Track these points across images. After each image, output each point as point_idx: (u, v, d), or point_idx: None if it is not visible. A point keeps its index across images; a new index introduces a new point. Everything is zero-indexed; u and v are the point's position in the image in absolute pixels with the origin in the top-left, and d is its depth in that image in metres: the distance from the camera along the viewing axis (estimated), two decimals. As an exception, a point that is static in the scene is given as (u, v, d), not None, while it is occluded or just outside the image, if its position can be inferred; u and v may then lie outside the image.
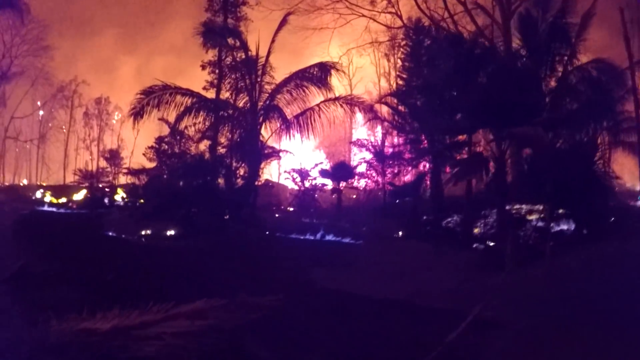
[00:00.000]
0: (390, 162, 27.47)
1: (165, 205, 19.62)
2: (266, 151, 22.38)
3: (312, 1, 33.83)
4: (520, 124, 11.87)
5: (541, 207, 15.18)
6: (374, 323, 5.78)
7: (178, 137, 26.76)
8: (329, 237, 18.91)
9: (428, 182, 22.95)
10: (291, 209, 30.36)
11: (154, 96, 18.80)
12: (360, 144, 30.33)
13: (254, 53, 20.83)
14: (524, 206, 15.88)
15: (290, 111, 20.28)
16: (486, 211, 16.27)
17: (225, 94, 25.78)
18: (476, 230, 16.67)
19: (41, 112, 55.26)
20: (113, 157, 43.20)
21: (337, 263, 12.56)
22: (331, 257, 13.76)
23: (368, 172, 29.25)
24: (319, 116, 19.91)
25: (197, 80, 28.38)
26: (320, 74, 19.61)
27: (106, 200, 33.10)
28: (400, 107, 24.24)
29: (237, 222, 19.01)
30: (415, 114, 21.41)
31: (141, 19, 72.33)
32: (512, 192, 13.50)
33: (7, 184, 52.51)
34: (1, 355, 4.36)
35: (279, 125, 20.39)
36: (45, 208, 32.24)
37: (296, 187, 30.61)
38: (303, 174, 29.51)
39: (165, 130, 27.54)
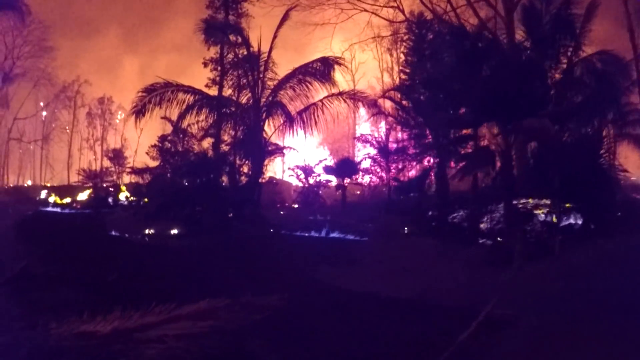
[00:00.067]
0: (395, 157, 27.29)
1: (169, 204, 19.55)
2: (270, 148, 22.27)
3: (314, -3, 33.60)
4: (527, 117, 11.67)
5: (548, 202, 15.02)
6: (382, 322, 5.63)
7: (181, 136, 26.68)
8: (334, 234, 18.78)
9: (433, 178, 22.78)
10: (295, 206, 30.26)
11: (155, 94, 18.70)
12: (364, 140, 30.18)
13: (255, 49, 20.71)
14: (530, 201, 15.71)
15: (293, 107, 20.15)
16: (492, 206, 16.07)
17: (227, 91, 25.67)
18: (482, 226, 16.48)
19: (44, 113, 55.32)
20: (117, 156, 43.27)
21: (342, 260, 12.41)
22: (336, 254, 13.61)
23: (372, 167, 29.10)
24: (323, 112, 19.78)
25: (200, 78, 28.34)
26: (323, 68, 19.46)
27: (110, 200, 33.13)
28: (404, 102, 24.06)
29: (240, 220, 18.91)
30: (419, 108, 21.20)
31: (143, 18, 72.18)
32: (518, 187, 13.29)
33: (11, 185, 52.59)
34: (-2, 359, 4.24)
35: (282, 121, 20.25)
36: (49, 208, 32.32)
37: (300, 184, 30.51)
38: (307, 171, 29.41)
39: (169, 129, 27.50)
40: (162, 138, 27.73)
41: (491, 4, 28.17)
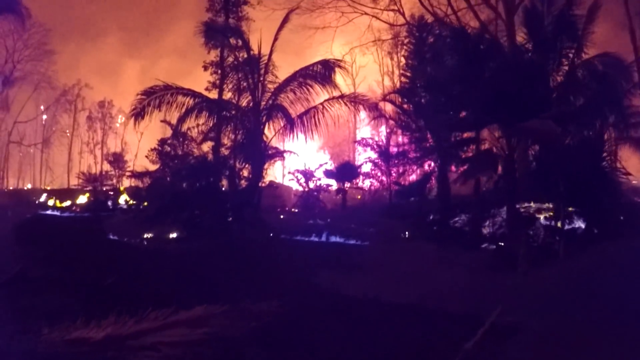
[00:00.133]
0: (396, 161, 27.18)
1: (168, 208, 19.42)
2: (270, 152, 22.13)
3: (315, 0, 33.62)
4: (530, 119, 11.54)
5: (550, 205, 14.88)
6: (384, 329, 5.47)
7: (181, 139, 26.59)
8: (334, 239, 18.63)
9: (434, 181, 22.65)
10: (295, 210, 30.12)
11: (155, 96, 18.56)
12: (365, 143, 30.08)
13: (256, 52, 20.61)
14: (532, 204, 15.57)
15: (293, 110, 20.02)
16: (494, 210, 15.92)
17: (227, 94, 25.55)
18: (484, 230, 16.32)
19: (44, 116, 55.32)
20: (117, 160, 43.20)
21: (342, 265, 12.25)
22: (336, 259, 13.46)
23: (373, 171, 28.99)
24: (323, 115, 19.63)
25: (202, 82, 28.27)
26: (324, 71, 19.33)
27: (109, 204, 33.06)
28: (405, 105, 23.95)
29: (240, 224, 18.76)
30: (420, 111, 21.10)
31: (145, 22, 72.28)
32: (520, 190, 13.15)
33: (11, 188, 52.51)
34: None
35: (282, 124, 20.13)
36: (49, 212, 32.24)
37: (300, 188, 30.39)
38: (307, 175, 29.30)
39: (169, 133, 27.40)
40: (162, 142, 27.66)
41: (492, 5, 28.16)
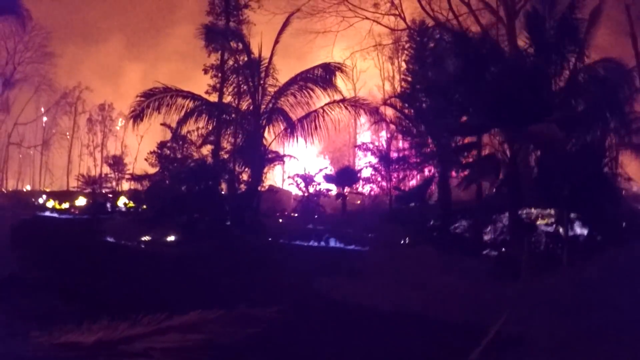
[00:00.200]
0: (396, 166, 27.04)
1: (167, 211, 19.28)
2: (269, 156, 22.01)
3: (315, 4, 33.56)
4: (533, 123, 11.40)
5: (551, 212, 14.71)
6: (384, 338, 5.30)
7: (180, 142, 26.45)
8: (334, 244, 18.46)
9: (434, 187, 22.50)
10: (295, 214, 29.96)
11: (154, 98, 18.47)
12: (366, 148, 29.95)
13: (256, 55, 20.51)
14: (533, 211, 15.40)
15: (294, 114, 19.91)
16: (495, 216, 15.75)
17: (227, 98, 25.47)
18: (486, 237, 16.13)
19: (44, 119, 55.23)
20: (116, 163, 43.05)
21: (342, 271, 12.06)
22: (336, 264, 13.26)
23: (373, 176, 28.85)
24: (324, 119, 19.53)
25: (202, 86, 28.15)
26: (324, 74, 19.25)
27: (108, 206, 32.93)
28: (406, 110, 23.84)
29: (239, 228, 18.61)
30: (421, 116, 20.97)
31: (146, 25, 72.27)
32: (522, 196, 12.99)
33: (10, 189, 52.38)
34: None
35: (282, 128, 20.02)
36: (47, 214, 32.13)
37: (300, 193, 30.24)
38: (307, 180, 29.14)
39: (169, 137, 27.27)
40: (161, 145, 27.50)
41: (494, 9, 28.13)
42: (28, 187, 55.56)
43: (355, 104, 20.07)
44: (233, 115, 22.00)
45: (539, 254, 11.87)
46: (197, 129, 23.33)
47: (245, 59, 21.35)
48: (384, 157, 27.71)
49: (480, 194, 17.96)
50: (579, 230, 14.12)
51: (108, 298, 7.19)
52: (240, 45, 21.68)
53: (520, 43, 17.46)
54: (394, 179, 27.76)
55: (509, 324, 4.84)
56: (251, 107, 20.34)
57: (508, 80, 12.76)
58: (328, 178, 29.71)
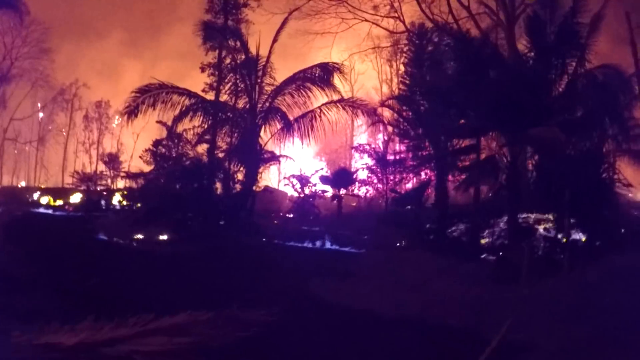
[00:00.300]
0: (393, 168, 26.90)
1: (160, 209, 19.05)
2: (265, 155, 21.80)
3: (315, 4, 33.42)
4: (534, 127, 11.25)
5: (550, 217, 14.59)
6: (381, 344, 5.10)
7: (176, 140, 26.19)
8: (329, 246, 18.26)
9: (430, 190, 22.36)
10: (290, 215, 29.76)
11: (149, 95, 18.22)
12: (362, 150, 29.77)
13: (254, 54, 20.32)
14: (531, 215, 15.26)
15: (291, 114, 19.72)
16: (494, 220, 15.59)
17: (224, 97, 25.19)
18: (483, 241, 15.96)
19: (41, 114, 54.87)
20: (112, 160, 42.76)
21: (337, 273, 11.86)
22: (331, 266, 13.07)
23: (369, 178, 28.70)
24: (321, 119, 19.34)
25: (200, 86, 27.77)
26: (322, 74, 19.07)
27: (102, 204, 32.68)
28: (404, 112, 23.69)
29: (233, 228, 18.39)
30: (419, 118, 20.82)
31: (145, 23, 71.97)
32: (522, 200, 12.85)
33: (5, 185, 52.02)
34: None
35: (279, 128, 19.82)
36: (41, 210, 31.89)
37: (296, 194, 30.05)
38: (303, 181, 28.95)
39: (165, 135, 26.97)
40: (156, 142, 27.23)
41: (494, 12, 28.06)
42: (23, 184, 55.18)
43: (352, 105, 19.90)
44: (229, 114, 21.77)
45: (538, 258, 11.71)
46: (193, 127, 23.08)
47: (243, 57, 21.14)
48: (380, 159, 27.56)
49: (478, 198, 17.80)
50: (576, 235, 14.00)
51: (96, 297, 6.98)
52: (238, 44, 21.48)
53: (520, 48, 17.40)
54: (391, 182, 27.60)
55: (512, 329, 4.64)
56: (247, 106, 20.14)
57: (509, 83, 12.64)
58: (324, 179, 29.52)
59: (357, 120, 26.70)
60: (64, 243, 13.94)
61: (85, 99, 53.95)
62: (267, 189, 28.43)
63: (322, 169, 32.12)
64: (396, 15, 33.74)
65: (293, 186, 29.67)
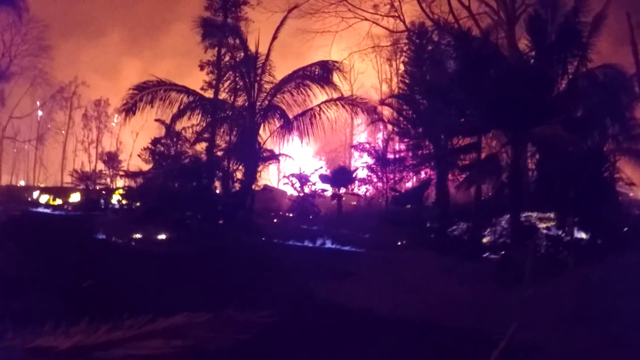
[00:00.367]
0: (393, 167, 26.79)
1: (158, 209, 18.91)
2: (264, 154, 21.65)
3: (315, 3, 33.34)
4: (537, 125, 11.13)
5: (552, 215, 14.50)
6: (382, 346, 4.96)
7: (174, 139, 26.05)
8: (329, 245, 18.12)
9: (431, 189, 22.26)
10: (290, 214, 29.64)
11: (147, 92, 18.03)
12: (362, 148, 29.67)
13: (253, 52, 20.17)
14: (533, 214, 15.16)
15: (290, 112, 19.56)
16: (496, 219, 15.47)
17: (223, 95, 25.05)
18: (485, 239, 15.84)
19: (40, 113, 54.65)
20: (111, 159, 42.61)
21: (338, 273, 11.70)
22: (332, 266, 12.92)
23: (369, 177, 28.60)
24: (320, 117, 19.18)
25: (200, 84, 27.67)
26: (322, 72, 18.91)
27: (101, 203, 32.53)
28: (403, 112, 23.59)
29: (232, 227, 18.24)
30: (419, 117, 20.71)
31: (146, 22, 71.74)
32: (524, 199, 12.74)
33: (4, 184, 51.85)
34: None
35: (278, 126, 19.67)
36: (40, 209, 31.70)
37: (295, 193, 29.94)
38: (302, 179, 28.83)
39: (164, 134, 26.84)
40: (155, 141, 27.09)
41: (495, 11, 27.97)
42: (22, 183, 54.99)
43: (352, 103, 19.74)
44: (228, 112, 21.61)
45: (540, 257, 11.59)
46: (192, 125, 22.95)
47: (242, 55, 20.99)
48: (380, 157, 27.45)
49: (479, 196, 17.70)
50: (577, 233, 13.91)
51: (92, 298, 6.84)
52: (238, 41, 21.33)
53: (521, 47, 17.31)
54: (391, 181, 27.49)
55: (518, 331, 4.50)
56: (247, 104, 19.98)
57: (510, 82, 12.54)
58: (323, 178, 29.41)
59: (356, 119, 26.61)
60: (61, 243, 13.79)
61: (85, 97, 53.78)
62: (266, 187, 28.31)
63: (321, 167, 32.03)
64: (396, 14, 33.69)
65: (292, 185, 29.56)
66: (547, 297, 7.63)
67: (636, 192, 25.42)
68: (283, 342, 4.39)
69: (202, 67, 27.36)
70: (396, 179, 27.93)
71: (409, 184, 31.84)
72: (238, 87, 21.36)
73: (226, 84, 23.48)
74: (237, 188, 21.49)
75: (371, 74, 45.73)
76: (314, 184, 28.92)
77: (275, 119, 19.74)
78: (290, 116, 19.48)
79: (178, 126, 22.25)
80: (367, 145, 29.96)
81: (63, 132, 54.83)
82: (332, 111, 19.32)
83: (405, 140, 24.91)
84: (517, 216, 13.08)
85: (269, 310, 4.48)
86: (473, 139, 16.17)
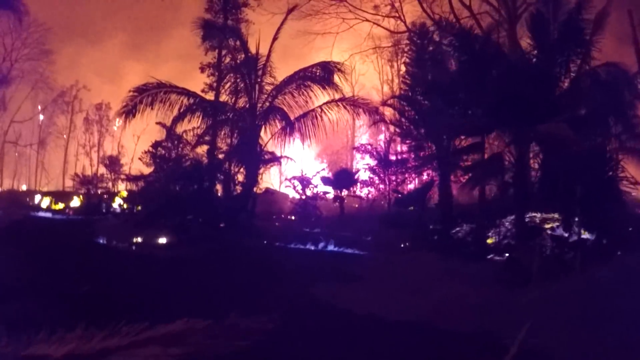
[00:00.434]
0: (395, 169, 26.66)
1: (159, 212, 18.81)
2: (266, 156, 21.55)
3: (316, 4, 33.30)
4: (541, 123, 11.00)
5: (557, 216, 14.34)
6: (387, 351, 4.83)
7: (175, 142, 25.95)
8: (332, 248, 17.97)
9: (433, 190, 22.10)
10: (292, 217, 29.52)
11: (147, 94, 17.97)
12: (364, 150, 29.54)
13: (254, 53, 20.10)
14: (538, 214, 15.01)
15: (291, 114, 19.46)
16: (500, 220, 15.32)
17: (223, 97, 24.97)
18: (489, 241, 15.68)
19: (41, 117, 54.70)
20: (112, 163, 42.59)
21: (340, 276, 11.57)
22: (334, 269, 12.77)
23: (371, 179, 28.48)
24: (322, 118, 19.08)
25: (202, 88, 27.60)
26: (323, 73, 18.81)
27: (103, 206, 32.48)
28: (406, 112, 23.45)
29: (233, 230, 18.13)
30: (422, 117, 20.57)
31: (147, 26, 71.87)
32: (529, 199, 12.60)
33: (5, 189, 51.88)
34: None
35: (279, 128, 19.57)
36: (41, 214, 31.68)
37: (297, 195, 29.83)
38: (304, 182, 28.72)
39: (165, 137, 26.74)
40: (156, 144, 27.00)
41: (496, 10, 27.88)
42: (24, 187, 55.02)
43: (354, 104, 19.66)
44: (229, 115, 21.52)
45: (546, 258, 11.44)
46: (193, 128, 22.87)
47: (243, 56, 20.92)
48: (382, 159, 27.32)
49: (483, 197, 17.54)
50: (585, 234, 13.76)
51: (90, 303, 6.72)
52: (238, 43, 21.26)
53: (523, 46, 17.21)
54: (393, 182, 27.36)
55: (528, 334, 4.36)
56: (247, 106, 19.89)
57: (513, 80, 12.43)
58: (325, 180, 29.30)
59: (358, 120, 26.52)
60: (61, 247, 13.71)
61: (86, 101, 53.96)
62: (268, 190, 28.25)
63: (323, 170, 31.92)
64: (397, 15, 33.63)
65: (294, 188, 29.46)
66: (554, 299, 7.48)
67: (639, 191, 25.28)
68: (285, 349, 4.26)
69: (202, 70, 27.30)
70: (398, 180, 27.80)
71: (411, 186, 31.72)
72: (239, 89, 21.28)
73: (227, 86, 23.35)
74: (239, 191, 21.39)
75: (372, 76, 45.77)
76: (316, 186, 28.81)
77: (277, 121, 19.65)
78: (292, 118, 19.38)
79: (179, 129, 22.21)
80: (369, 147, 29.83)
81: (64, 136, 55.00)
82: (333, 112, 19.25)
83: (407, 141, 24.76)
84: (522, 217, 12.93)
85: (271, 315, 4.34)
86: (476, 139, 16.03)
